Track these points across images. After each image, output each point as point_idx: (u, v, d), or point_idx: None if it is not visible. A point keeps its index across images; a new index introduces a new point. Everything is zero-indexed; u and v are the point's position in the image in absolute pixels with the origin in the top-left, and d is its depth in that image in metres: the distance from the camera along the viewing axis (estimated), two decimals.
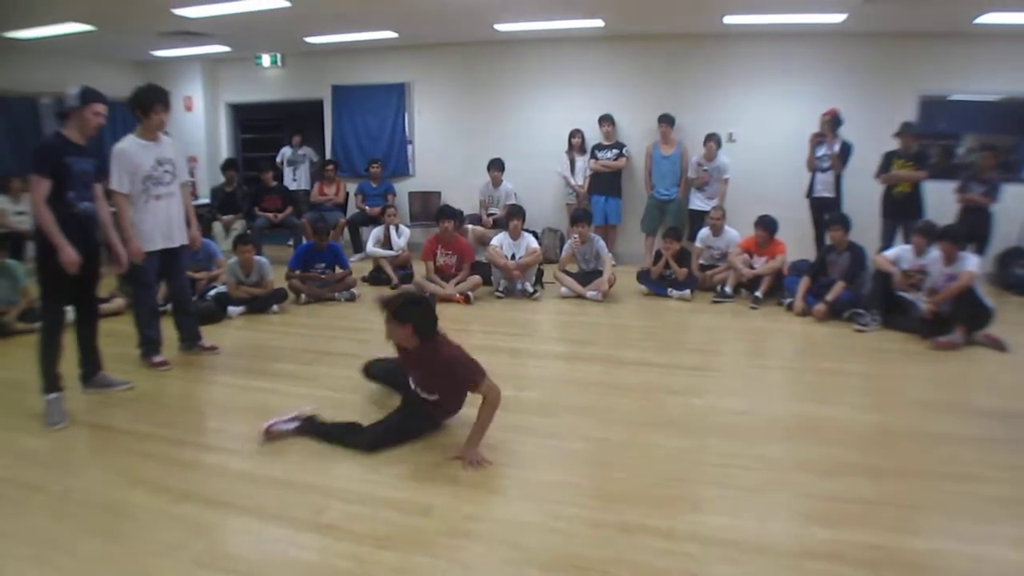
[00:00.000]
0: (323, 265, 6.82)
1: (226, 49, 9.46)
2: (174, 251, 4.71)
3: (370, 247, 7.70)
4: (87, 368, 4.13)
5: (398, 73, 9.68)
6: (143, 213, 4.46)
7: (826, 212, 7.00)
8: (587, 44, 8.71)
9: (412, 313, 3.30)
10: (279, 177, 9.53)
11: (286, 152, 9.90)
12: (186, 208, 4.79)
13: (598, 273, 6.87)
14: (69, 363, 3.98)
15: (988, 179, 6.78)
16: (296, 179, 9.82)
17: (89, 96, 3.78)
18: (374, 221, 8.64)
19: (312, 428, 3.53)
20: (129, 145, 4.44)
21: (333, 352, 5.02)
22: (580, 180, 8.57)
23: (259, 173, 9.20)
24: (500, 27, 8.12)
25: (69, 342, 3.98)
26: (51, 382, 3.78)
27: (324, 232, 6.98)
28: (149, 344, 4.69)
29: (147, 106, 4.40)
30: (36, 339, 3.84)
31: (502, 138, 9.20)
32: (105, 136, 9.31)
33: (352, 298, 6.76)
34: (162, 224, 4.56)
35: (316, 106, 10.24)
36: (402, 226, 7.88)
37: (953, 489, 2.99)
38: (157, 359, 4.67)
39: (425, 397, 3.49)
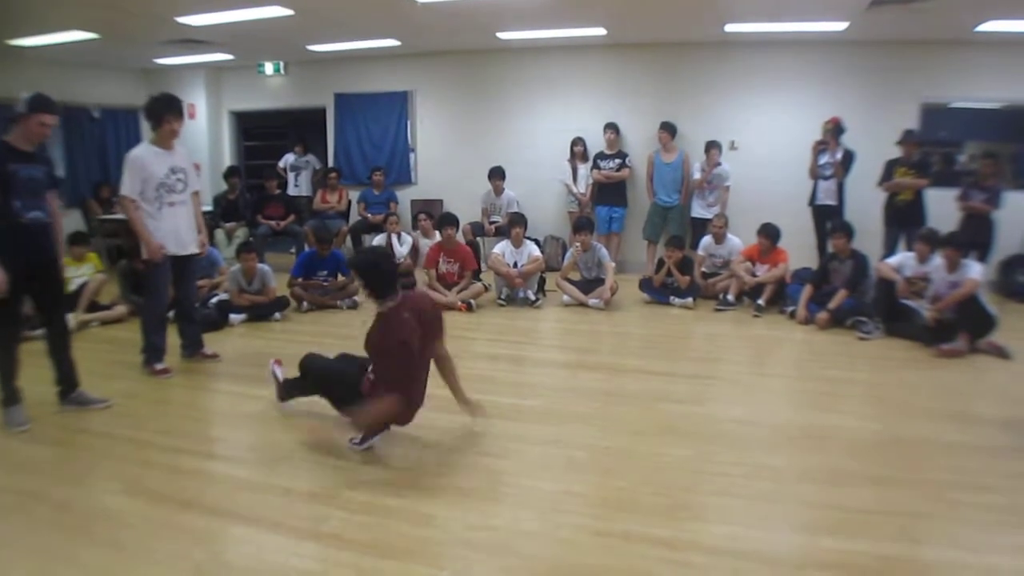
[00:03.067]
0: (325, 273, 6.81)
1: (229, 57, 9.49)
2: (184, 259, 4.73)
3: None
4: (63, 386, 3.97)
5: (401, 81, 9.70)
6: (156, 220, 4.48)
7: (828, 220, 7.01)
8: (589, 52, 8.73)
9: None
10: (282, 185, 9.53)
11: (289, 158, 9.91)
12: (196, 216, 4.81)
13: (600, 281, 6.86)
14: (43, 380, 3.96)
15: (989, 186, 6.78)
16: (298, 185, 9.83)
17: (38, 104, 3.60)
18: (376, 229, 8.64)
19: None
20: (144, 152, 4.48)
21: None
22: (582, 188, 8.57)
23: (262, 181, 9.22)
24: (502, 35, 8.14)
25: (43, 360, 3.94)
26: (9, 395, 3.72)
27: (326, 240, 6.98)
28: (153, 351, 4.69)
29: (158, 117, 4.45)
30: None
31: (504, 146, 9.20)
32: (108, 144, 9.50)
33: (354, 306, 6.75)
34: (174, 231, 4.58)
35: (319, 114, 10.27)
36: (404, 234, 7.88)
37: (959, 498, 2.97)
38: (159, 367, 4.67)
39: None
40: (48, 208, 3.78)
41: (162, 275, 4.61)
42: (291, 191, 9.63)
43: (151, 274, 4.58)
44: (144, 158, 4.43)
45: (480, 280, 7.02)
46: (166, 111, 4.45)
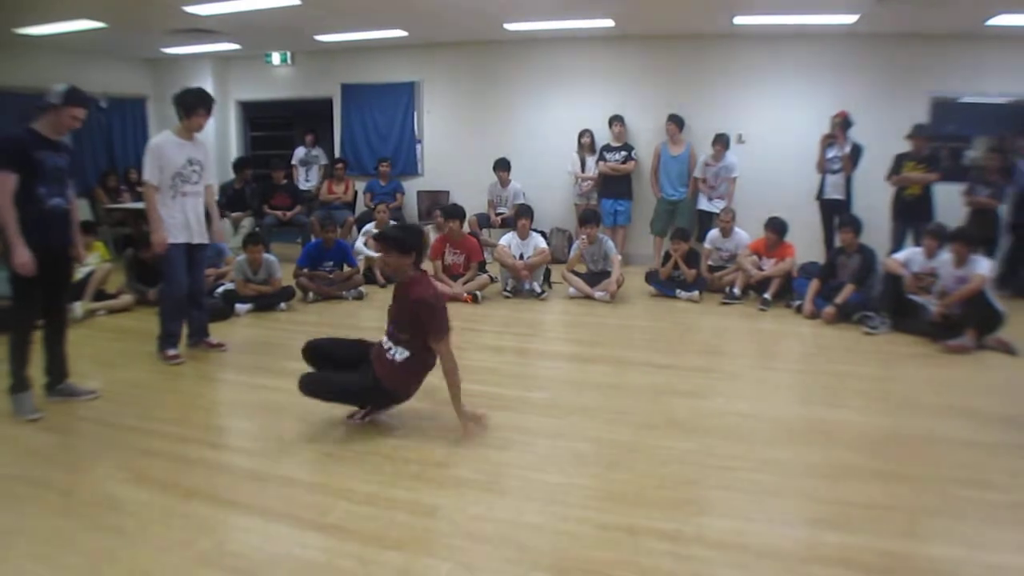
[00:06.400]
0: (331, 264, 6.81)
1: (236, 47, 9.48)
2: (194, 247, 4.78)
3: (359, 245, 7.65)
4: (52, 376, 3.95)
5: (407, 72, 9.69)
6: (170, 208, 4.56)
7: (836, 214, 6.97)
8: (597, 44, 8.69)
9: (412, 243, 3.48)
10: (289, 176, 9.52)
11: (300, 152, 9.89)
12: (208, 205, 4.88)
13: (606, 274, 6.85)
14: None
15: (994, 181, 6.74)
16: (309, 179, 9.82)
17: (73, 98, 3.65)
18: None
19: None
20: (165, 141, 4.56)
21: None
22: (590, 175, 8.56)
23: (269, 171, 9.22)
24: (510, 26, 8.11)
25: (37, 348, 3.89)
26: (19, 382, 3.72)
27: (331, 226, 6.98)
28: (169, 338, 4.74)
29: (190, 109, 4.53)
30: (7, 339, 3.72)
31: (511, 137, 9.19)
32: (115, 133, 9.51)
33: (360, 296, 6.76)
34: (187, 220, 4.65)
35: (325, 104, 10.27)
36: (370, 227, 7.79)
37: (964, 494, 2.96)
38: (171, 352, 4.71)
39: (389, 348, 3.53)
40: (69, 195, 3.84)
41: (177, 263, 4.65)
42: (302, 185, 9.61)
43: (166, 262, 4.63)
44: (163, 146, 4.51)
45: (486, 272, 7.02)
46: (200, 105, 4.56)
